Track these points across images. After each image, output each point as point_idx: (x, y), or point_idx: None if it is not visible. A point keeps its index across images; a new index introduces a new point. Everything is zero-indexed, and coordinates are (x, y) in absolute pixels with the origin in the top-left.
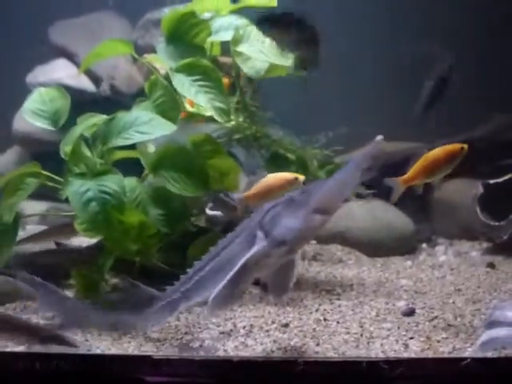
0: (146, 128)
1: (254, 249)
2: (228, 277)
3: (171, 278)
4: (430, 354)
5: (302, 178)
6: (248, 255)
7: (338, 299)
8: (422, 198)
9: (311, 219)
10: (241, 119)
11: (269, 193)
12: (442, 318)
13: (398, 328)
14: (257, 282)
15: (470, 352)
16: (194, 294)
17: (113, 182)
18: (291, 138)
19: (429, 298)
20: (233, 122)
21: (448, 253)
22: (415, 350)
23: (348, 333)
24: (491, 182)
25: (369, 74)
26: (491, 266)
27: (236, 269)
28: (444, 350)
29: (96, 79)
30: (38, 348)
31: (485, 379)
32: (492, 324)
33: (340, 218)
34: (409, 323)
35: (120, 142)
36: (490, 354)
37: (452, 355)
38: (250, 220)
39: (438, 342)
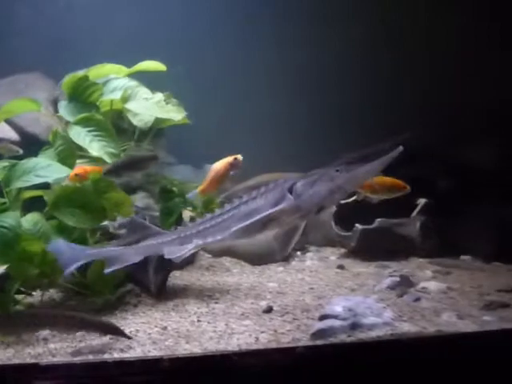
0: (43, 172)
1: (283, 204)
2: (251, 220)
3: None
4: (273, 345)
5: (240, 157)
6: (276, 208)
7: (217, 303)
8: None
9: (334, 193)
10: None
11: (218, 178)
12: (292, 313)
13: (255, 324)
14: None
15: (303, 341)
16: (209, 234)
17: (10, 218)
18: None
19: (287, 297)
20: None
21: (314, 258)
22: (263, 342)
23: (214, 331)
24: (342, 202)
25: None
26: (341, 267)
27: (262, 215)
28: (285, 341)
29: (18, 129)
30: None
31: (314, 363)
32: (324, 317)
33: None
34: (265, 319)
35: (20, 184)
36: (318, 342)
37: (289, 345)
38: (277, 185)
39: (283, 334)
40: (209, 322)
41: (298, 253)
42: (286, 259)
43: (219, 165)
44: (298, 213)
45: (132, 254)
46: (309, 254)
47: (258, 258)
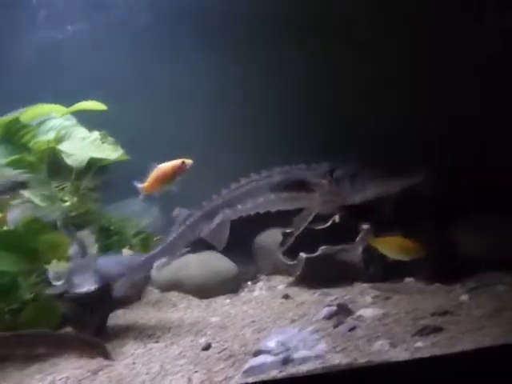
0: None
1: (324, 180)
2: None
3: None
4: None
5: (188, 161)
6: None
7: (157, 342)
8: (246, 245)
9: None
10: (75, 199)
11: (162, 178)
12: (230, 349)
13: (190, 363)
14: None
15: (235, 380)
16: (238, 201)
17: None
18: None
19: (228, 331)
20: (68, 203)
21: (263, 288)
22: (195, 382)
23: (148, 373)
24: (287, 231)
25: None
26: (286, 297)
27: (300, 176)
28: (218, 380)
29: None
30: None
31: None
32: (257, 352)
33: (178, 269)
34: (201, 357)
35: None
36: (249, 380)
37: None
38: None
39: (216, 372)
40: (143, 364)
41: (249, 283)
42: (235, 290)
43: (166, 165)
44: (328, 195)
45: (177, 246)
46: (259, 284)
47: (205, 292)
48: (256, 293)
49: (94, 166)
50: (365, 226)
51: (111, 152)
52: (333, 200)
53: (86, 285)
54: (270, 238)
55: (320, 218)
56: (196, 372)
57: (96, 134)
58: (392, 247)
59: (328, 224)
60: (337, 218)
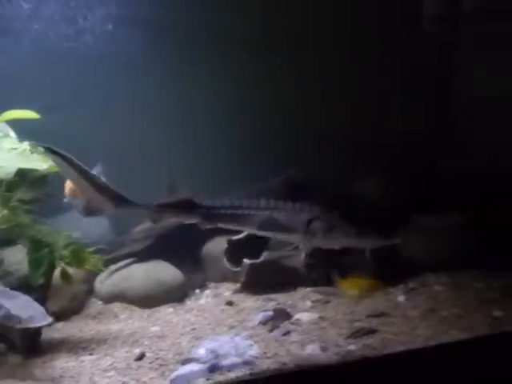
0: None
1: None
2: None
3: None
4: None
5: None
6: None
7: (91, 354)
8: (195, 253)
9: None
10: (5, 212)
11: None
12: (163, 358)
13: (119, 374)
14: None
15: None
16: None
17: None
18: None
19: (165, 340)
20: None
21: (209, 296)
22: None
23: None
24: (234, 238)
25: None
26: (229, 303)
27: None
28: None
29: None
30: None
31: None
32: (186, 361)
33: (121, 280)
34: (132, 368)
35: None
36: None
37: None
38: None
39: (144, 382)
40: (72, 377)
41: (197, 291)
42: (181, 299)
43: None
44: (303, 241)
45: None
46: (206, 292)
47: (148, 302)
48: (202, 301)
49: (30, 178)
50: None
51: (41, 163)
52: (305, 244)
53: (39, 318)
54: (217, 246)
55: None
56: (124, 383)
57: (25, 145)
58: (356, 287)
59: None
60: None
